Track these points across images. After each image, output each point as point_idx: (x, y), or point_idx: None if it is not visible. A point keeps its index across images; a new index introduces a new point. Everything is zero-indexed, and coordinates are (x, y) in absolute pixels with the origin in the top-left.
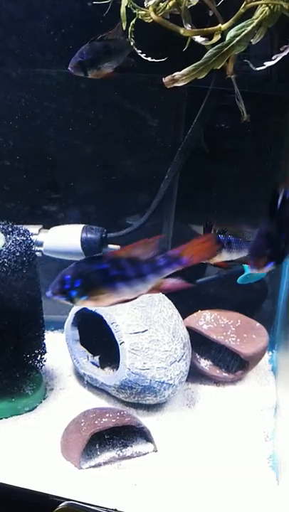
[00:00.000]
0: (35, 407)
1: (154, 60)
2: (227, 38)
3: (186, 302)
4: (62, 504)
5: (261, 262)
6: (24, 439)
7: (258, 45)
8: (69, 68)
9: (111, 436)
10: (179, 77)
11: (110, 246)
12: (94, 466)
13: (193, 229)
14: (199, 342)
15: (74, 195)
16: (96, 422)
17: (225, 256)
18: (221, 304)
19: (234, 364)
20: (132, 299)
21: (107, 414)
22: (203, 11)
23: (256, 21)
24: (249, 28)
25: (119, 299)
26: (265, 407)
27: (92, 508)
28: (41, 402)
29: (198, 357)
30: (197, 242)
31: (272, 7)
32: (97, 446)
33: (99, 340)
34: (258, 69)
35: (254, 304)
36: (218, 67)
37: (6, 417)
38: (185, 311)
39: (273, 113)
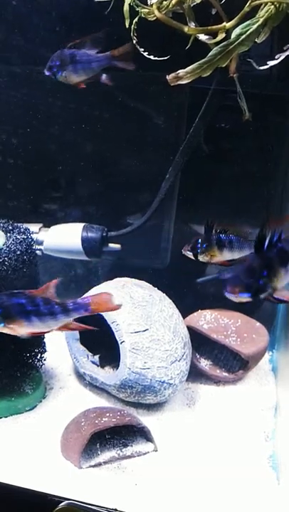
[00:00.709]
0: (35, 406)
1: (156, 58)
2: (232, 36)
3: (186, 301)
4: (62, 504)
5: (236, 289)
6: (24, 439)
7: (259, 44)
8: (44, 70)
9: (111, 435)
10: (183, 75)
11: (111, 245)
12: (94, 466)
13: (194, 228)
14: (200, 342)
15: (75, 194)
16: (96, 421)
17: (227, 255)
18: (221, 303)
19: (234, 364)
20: (44, 332)
21: (108, 414)
22: (207, 9)
23: (261, 20)
24: (254, 26)
25: (32, 331)
26: (266, 407)
27: (92, 507)
28: (41, 401)
29: (198, 356)
30: (102, 298)
31: (277, 5)
32: (98, 446)
33: (99, 339)
34: (261, 68)
35: (254, 304)
36: (223, 66)
37: (6, 416)
38: (185, 311)
39: (275, 113)
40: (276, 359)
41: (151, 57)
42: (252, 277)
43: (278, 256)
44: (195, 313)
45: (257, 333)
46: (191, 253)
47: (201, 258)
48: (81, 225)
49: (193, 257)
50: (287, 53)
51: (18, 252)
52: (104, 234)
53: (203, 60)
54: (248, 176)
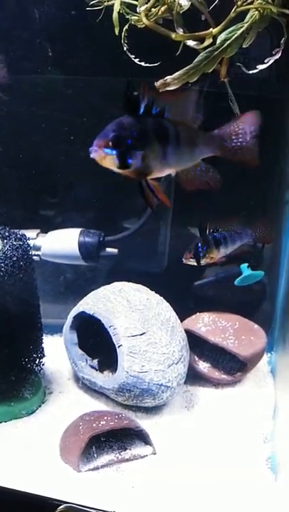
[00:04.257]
0: (35, 411)
1: (148, 64)
2: (218, 42)
3: (184, 305)
4: (61, 507)
5: (101, 143)
6: (23, 443)
7: (258, 48)
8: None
9: (109, 439)
10: (171, 81)
11: (108, 249)
12: (93, 469)
13: (191, 231)
14: (198, 344)
15: (72, 200)
16: (94, 424)
17: (222, 251)
18: (219, 305)
19: (233, 366)
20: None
21: (105, 417)
22: (196, 15)
23: (246, 25)
24: (239, 31)
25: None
26: (264, 409)
27: (90, 510)
28: (40, 406)
29: (196, 359)
30: None
31: (261, 11)
32: (96, 449)
33: (97, 343)
34: (251, 72)
35: (252, 306)
36: (210, 71)
37: (5, 421)
38: (183, 314)
39: (272, 115)
40: (275, 361)
41: (142, 63)
42: (120, 133)
43: (153, 125)
44: (193, 316)
45: (255, 335)
46: (193, 260)
47: (203, 262)
48: (78, 230)
49: (196, 263)
50: (275, 57)
51: (15, 258)
52: (101, 239)
53: (189, 66)
54: (246, 178)
